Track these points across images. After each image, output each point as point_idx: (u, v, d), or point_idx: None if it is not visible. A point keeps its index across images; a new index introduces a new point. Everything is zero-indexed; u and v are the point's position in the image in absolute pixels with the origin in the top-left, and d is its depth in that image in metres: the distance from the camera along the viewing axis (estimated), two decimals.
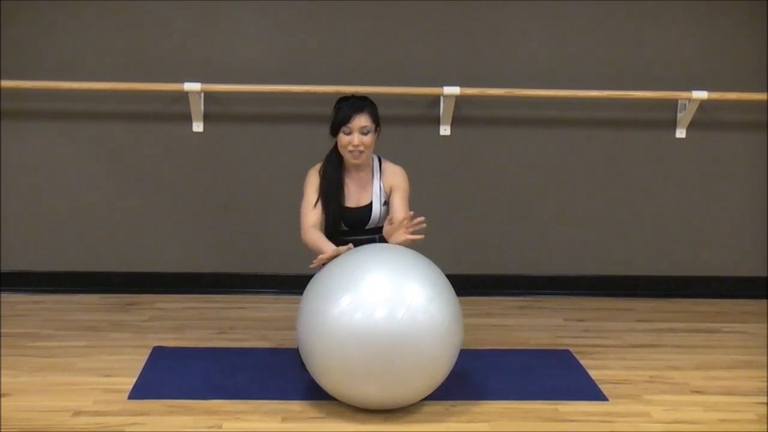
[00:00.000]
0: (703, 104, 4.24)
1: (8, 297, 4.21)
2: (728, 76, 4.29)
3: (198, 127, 4.24)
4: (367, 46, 4.23)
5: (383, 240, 3.40)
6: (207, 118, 4.24)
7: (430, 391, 2.93)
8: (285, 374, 3.25)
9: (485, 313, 4.16)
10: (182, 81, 4.07)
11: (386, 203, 3.35)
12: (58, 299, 4.19)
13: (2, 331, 3.70)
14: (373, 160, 3.39)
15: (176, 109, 4.22)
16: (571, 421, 2.94)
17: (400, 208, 3.29)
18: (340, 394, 2.90)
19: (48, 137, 4.25)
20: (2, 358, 3.37)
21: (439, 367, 2.86)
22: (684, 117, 4.30)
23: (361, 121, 3.21)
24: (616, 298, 4.43)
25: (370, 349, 2.71)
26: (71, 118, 4.23)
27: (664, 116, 4.35)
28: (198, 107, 4.17)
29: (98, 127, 4.25)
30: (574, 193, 4.42)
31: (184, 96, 4.14)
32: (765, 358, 3.57)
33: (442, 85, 4.13)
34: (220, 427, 2.83)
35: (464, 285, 4.41)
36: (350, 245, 3.06)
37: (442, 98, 4.20)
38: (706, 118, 4.34)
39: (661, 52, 4.29)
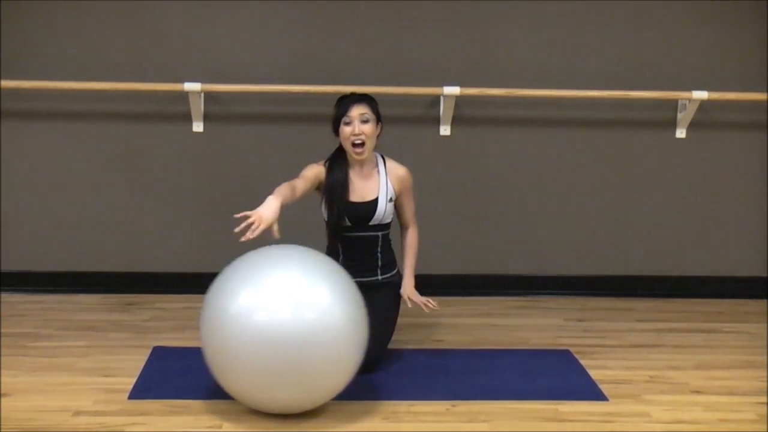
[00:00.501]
0: (703, 104, 4.24)
1: (8, 297, 4.20)
2: (728, 76, 4.29)
3: (198, 127, 4.24)
4: (367, 46, 4.23)
5: (386, 241, 3.43)
6: (207, 118, 4.24)
7: (334, 394, 2.88)
8: None
9: (485, 313, 4.16)
10: (182, 81, 4.07)
11: (392, 200, 3.38)
12: (58, 299, 4.19)
13: (2, 331, 3.70)
14: (376, 157, 3.40)
15: (176, 109, 4.22)
16: (571, 421, 2.94)
17: (409, 209, 3.48)
18: (238, 394, 2.83)
19: (48, 137, 4.25)
20: (2, 358, 3.37)
21: (341, 369, 2.81)
22: (684, 117, 4.30)
23: (360, 109, 3.25)
24: (616, 298, 4.43)
25: (270, 350, 2.66)
26: (71, 118, 4.23)
27: (664, 116, 4.35)
28: (198, 107, 4.17)
29: (98, 127, 4.25)
30: (574, 193, 4.42)
31: (184, 96, 4.14)
32: (765, 358, 3.57)
33: (442, 85, 4.13)
34: (220, 427, 2.83)
35: (464, 285, 4.43)
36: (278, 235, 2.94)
37: (442, 98, 4.20)
38: (706, 118, 4.34)
39: (661, 52, 4.29)
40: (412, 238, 3.55)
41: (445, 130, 4.31)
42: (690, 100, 4.20)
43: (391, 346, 3.59)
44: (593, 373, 3.35)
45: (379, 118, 3.33)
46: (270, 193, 4.39)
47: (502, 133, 4.35)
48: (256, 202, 4.43)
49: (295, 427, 2.85)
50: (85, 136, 4.25)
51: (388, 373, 3.30)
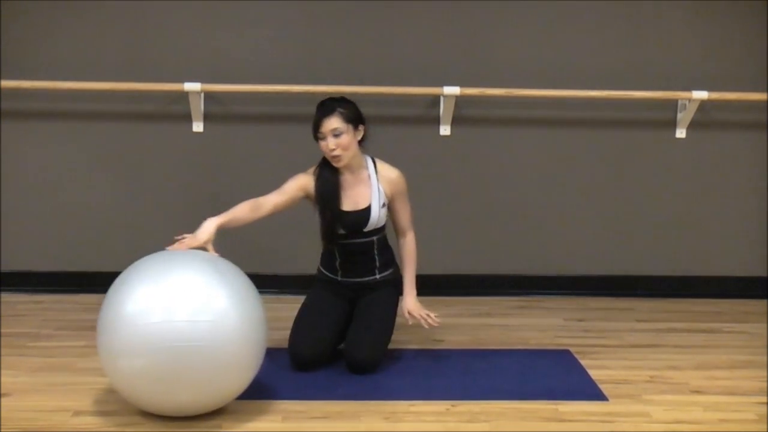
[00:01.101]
0: (703, 104, 4.24)
1: (8, 297, 4.21)
2: (728, 76, 4.29)
3: (198, 127, 4.24)
4: (367, 46, 4.23)
5: (382, 242, 3.41)
6: (207, 118, 4.24)
7: (234, 396, 2.87)
8: (285, 374, 3.25)
9: (485, 313, 4.16)
10: (182, 81, 4.07)
11: (385, 205, 3.34)
12: (58, 299, 4.19)
13: (2, 331, 3.70)
14: (366, 160, 3.34)
15: (176, 109, 4.22)
16: (571, 421, 2.93)
17: (404, 214, 3.42)
18: (131, 396, 2.78)
19: (48, 137, 4.25)
20: (2, 358, 3.38)
21: (237, 371, 2.78)
22: (684, 117, 4.30)
23: (331, 123, 3.17)
24: (616, 298, 4.43)
25: (163, 352, 2.62)
26: (71, 118, 4.23)
27: (664, 116, 4.35)
28: (198, 107, 4.17)
29: (98, 127, 4.25)
30: (574, 193, 4.42)
31: (184, 96, 4.14)
32: (765, 358, 3.57)
33: (442, 85, 4.13)
34: (220, 427, 2.83)
35: (464, 285, 4.43)
36: (216, 255, 2.95)
37: (442, 98, 4.20)
38: (706, 118, 4.34)
39: (661, 52, 4.29)
40: (410, 247, 3.48)
41: (445, 130, 4.31)
42: (690, 100, 4.20)
43: (391, 346, 3.59)
44: (593, 373, 3.35)
45: (358, 121, 3.24)
46: (268, 191, 4.41)
47: (502, 133, 4.35)
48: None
49: (295, 427, 2.85)
50: (85, 136, 4.25)
51: (388, 373, 3.30)
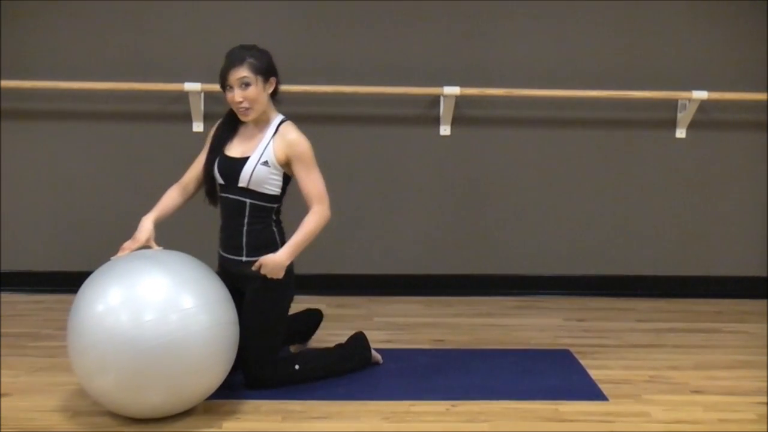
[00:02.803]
0: (703, 104, 4.24)
1: (8, 297, 4.21)
2: (728, 76, 4.29)
3: (198, 127, 4.24)
4: (367, 46, 4.23)
5: (258, 214, 3.06)
6: (207, 118, 4.24)
7: (203, 398, 2.86)
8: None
9: (485, 313, 4.16)
10: (182, 81, 4.07)
11: (267, 164, 3.00)
12: (58, 299, 4.18)
13: (2, 331, 3.70)
14: (275, 118, 3.09)
15: (176, 109, 4.22)
16: (571, 421, 2.94)
17: (308, 183, 3.02)
18: (99, 396, 2.76)
19: (48, 137, 4.25)
20: (2, 358, 3.38)
21: (206, 373, 2.77)
22: (684, 117, 4.30)
23: (238, 72, 2.95)
24: (616, 298, 4.43)
25: (133, 353, 2.61)
26: (71, 118, 4.23)
27: (664, 116, 4.35)
28: (198, 107, 4.17)
29: (98, 127, 4.25)
30: (574, 193, 4.42)
31: (184, 96, 4.14)
32: (765, 358, 3.57)
33: (442, 85, 4.13)
34: (220, 427, 2.83)
35: (464, 285, 4.43)
36: (160, 248, 2.93)
37: (442, 98, 4.20)
38: (706, 118, 4.34)
39: (661, 52, 4.29)
40: (312, 216, 3.02)
41: (445, 130, 4.31)
42: (690, 100, 4.20)
43: (391, 346, 3.59)
44: (593, 373, 3.35)
45: (269, 73, 3.03)
46: None
47: (502, 133, 4.35)
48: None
49: (295, 427, 2.85)
50: (85, 136, 4.25)
51: (388, 373, 3.30)
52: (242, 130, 3.11)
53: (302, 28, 4.21)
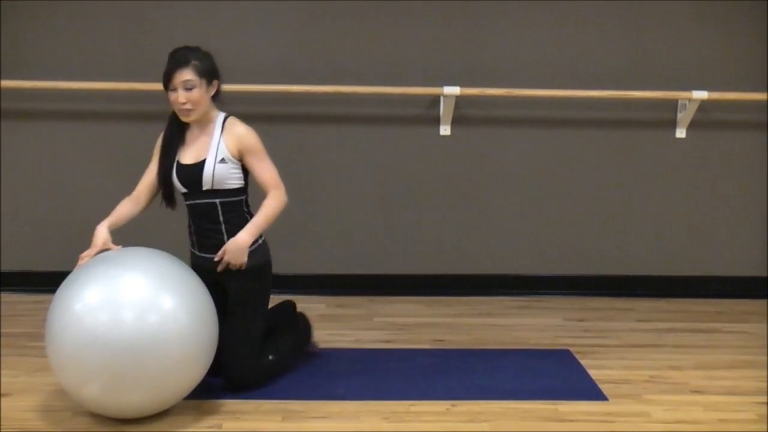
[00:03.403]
0: (703, 104, 4.24)
1: (8, 297, 4.21)
2: (728, 76, 4.29)
3: None
4: (367, 45, 4.23)
5: (231, 210, 3.08)
6: None
7: (180, 397, 2.85)
8: (284, 374, 3.25)
9: (485, 313, 4.16)
10: None
11: (224, 161, 3.01)
12: None
13: (2, 331, 3.70)
14: (217, 116, 3.09)
15: None
16: (571, 421, 2.93)
17: (262, 172, 3.06)
18: (78, 394, 2.76)
19: (48, 137, 4.25)
20: (2, 358, 3.38)
21: (185, 372, 2.76)
22: (684, 117, 4.30)
23: (183, 75, 2.96)
24: (616, 298, 4.43)
25: (111, 351, 2.60)
26: (71, 118, 4.23)
27: (664, 116, 4.35)
28: None
29: (98, 127, 4.25)
30: (574, 193, 4.42)
31: None
32: (765, 358, 3.57)
33: (442, 85, 4.13)
34: (220, 427, 2.83)
35: (464, 285, 4.43)
36: (119, 247, 2.96)
37: (442, 98, 4.20)
38: (706, 118, 4.34)
39: (661, 52, 4.29)
40: (270, 200, 3.06)
41: (445, 130, 4.31)
42: (690, 100, 4.20)
43: (391, 345, 3.60)
44: (593, 373, 3.35)
45: (212, 76, 3.04)
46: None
47: (502, 133, 4.35)
48: (256, 201, 4.46)
49: (295, 427, 2.85)
50: (85, 136, 4.25)
51: (388, 373, 3.30)
52: (189, 136, 3.10)
53: (302, 28, 4.21)
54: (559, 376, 3.32)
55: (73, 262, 4.31)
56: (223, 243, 3.04)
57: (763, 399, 3.14)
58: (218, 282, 3.07)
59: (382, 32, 4.23)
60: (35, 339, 3.62)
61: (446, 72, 4.21)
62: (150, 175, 3.15)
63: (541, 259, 4.47)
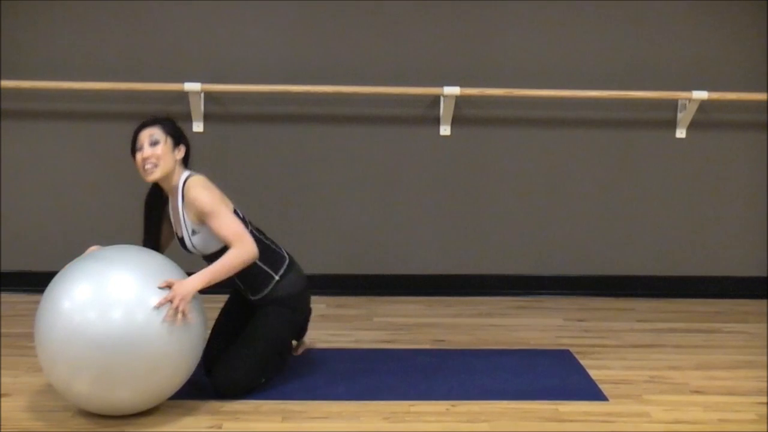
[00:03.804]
0: (703, 104, 4.24)
1: (8, 297, 4.21)
2: (728, 76, 4.29)
3: (198, 127, 4.24)
4: (367, 46, 4.23)
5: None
6: (207, 118, 4.24)
7: (167, 395, 2.87)
8: (285, 374, 3.25)
9: (485, 313, 4.16)
10: (182, 81, 4.07)
11: (195, 233, 3.01)
12: None
13: (2, 331, 3.70)
14: (179, 182, 3.02)
15: (176, 109, 4.22)
16: (571, 421, 2.93)
17: (219, 231, 2.94)
18: (65, 391, 2.77)
19: (48, 137, 4.25)
20: (2, 358, 3.38)
21: (171, 370, 2.78)
22: (684, 117, 4.30)
23: (149, 132, 3.00)
24: (616, 298, 4.43)
25: (98, 349, 2.63)
26: (71, 118, 4.23)
27: (664, 116, 4.35)
28: (198, 107, 4.17)
29: (98, 127, 4.25)
30: (574, 193, 4.42)
31: (184, 96, 4.14)
32: (765, 358, 3.57)
33: (442, 85, 4.13)
34: (220, 427, 2.83)
35: (464, 285, 4.43)
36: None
37: (442, 98, 4.20)
38: (706, 118, 4.34)
39: (661, 52, 4.29)
40: (229, 253, 2.93)
41: (445, 130, 4.31)
42: (690, 100, 4.20)
43: (391, 345, 3.60)
44: (593, 373, 3.35)
45: (179, 139, 3.03)
46: (268, 191, 4.41)
47: (502, 133, 4.35)
48: (256, 201, 4.47)
49: (295, 427, 2.85)
50: (85, 136, 4.25)
51: (388, 373, 3.30)
52: (171, 207, 3.11)
53: (302, 28, 4.21)
54: (559, 376, 3.32)
55: None
56: (242, 290, 3.17)
57: (763, 399, 3.14)
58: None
59: (382, 32, 4.23)
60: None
61: (446, 72, 4.21)
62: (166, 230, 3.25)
63: (541, 259, 4.47)
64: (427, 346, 3.65)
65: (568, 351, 3.61)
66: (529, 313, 4.18)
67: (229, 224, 2.95)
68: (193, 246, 3.05)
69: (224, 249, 2.99)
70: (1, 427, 2.79)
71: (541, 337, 3.81)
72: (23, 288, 4.28)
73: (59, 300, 2.72)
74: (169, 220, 3.17)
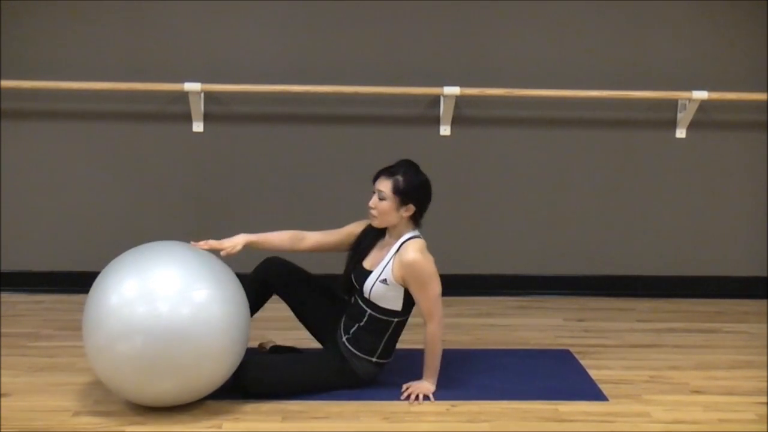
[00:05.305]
0: (703, 104, 4.24)
1: (8, 297, 4.21)
2: (728, 76, 4.29)
3: (198, 127, 4.24)
4: (367, 46, 4.23)
5: (374, 325, 3.13)
6: (207, 118, 4.24)
7: (211, 389, 2.91)
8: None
9: (485, 313, 4.16)
10: (182, 81, 4.07)
11: (385, 282, 3.06)
12: (58, 299, 4.19)
13: (2, 331, 3.70)
14: (404, 236, 3.12)
15: (176, 109, 4.22)
16: (571, 421, 2.94)
17: (419, 301, 3.07)
18: (115, 386, 2.84)
19: (48, 137, 4.25)
20: (2, 358, 3.38)
21: (217, 365, 2.84)
22: (684, 117, 4.30)
23: (381, 184, 3.09)
24: (616, 298, 4.43)
25: (146, 343, 2.69)
26: (71, 118, 4.23)
27: (664, 116, 4.35)
28: (198, 107, 4.17)
29: (98, 127, 4.25)
30: (574, 193, 4.42)
31: (184, 96, 4.14)
32: (765, 358, 3.57)
33: (442, 85, 4.13)
34: (220, 427, 2.83)
35: (464, 285, 4.43)
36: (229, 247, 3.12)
37: (442, 98, 4.20)
38: (706, 118, 4.34)
39: (661, 52, 4.29)
40: (427, 336, 3.12)
41: (445, 130, 4.31)
42: (690, 100, 4.20)
43: None
44: (593, 373, 3.35)
45: (408, 198, 3.08)
46: (269, 191, 4.41)
47: (502, 133, 4.35)
48: (256, 202, 4.47)
49: (295, 427, 2.85)
50: (85, 136, 4.25)
51: (388, 373, 3.29)
52: (381, 242, 3.20)
53: (302, 29, 4.21)
54: (559, 376, 3.32)
55: (74, 262, 4.34)
56: (349, 334, 3.14)
57: (763, 399, 3.14)
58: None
59: (382, 32, 4.23)
60: (35, 339, 3.63)
61: (446, 72, 4.21)
62: (327, 238, 3.28)
63: (541, 259, 4.47)
64: None
65: (568, 351, 3.61)
66: (529, 313, 4.18)
67: (435, 301, 3.07)
68: (370, 289, 3.08)
69: (390, 312, 3.09)
70: (1, 427, 2.79)
71: (541, 337, 3.81)
72: (23, 288, 4.29)
73: (107, 294, 2.77)
74: (357, 244, 3.23)
